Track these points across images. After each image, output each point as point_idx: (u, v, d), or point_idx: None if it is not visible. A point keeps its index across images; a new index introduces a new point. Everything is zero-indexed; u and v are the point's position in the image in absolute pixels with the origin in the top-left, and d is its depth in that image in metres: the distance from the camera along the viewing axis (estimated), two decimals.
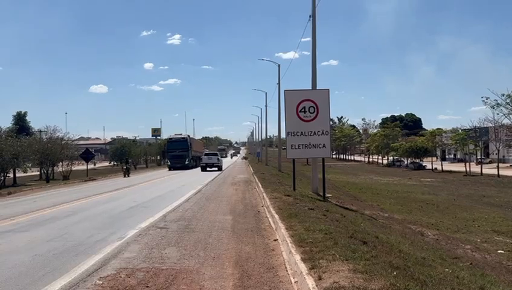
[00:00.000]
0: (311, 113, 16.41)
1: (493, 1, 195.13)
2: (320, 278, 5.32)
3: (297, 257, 6.43)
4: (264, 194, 16.46)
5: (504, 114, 46.75)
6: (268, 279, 6.17)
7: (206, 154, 52.58)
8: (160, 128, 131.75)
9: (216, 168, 47.84)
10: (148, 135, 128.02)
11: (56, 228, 10.63)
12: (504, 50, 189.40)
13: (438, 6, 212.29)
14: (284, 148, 21.28)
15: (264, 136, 78.99)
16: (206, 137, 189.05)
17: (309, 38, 19.99)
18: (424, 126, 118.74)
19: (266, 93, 61.31)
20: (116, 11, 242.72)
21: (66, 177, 39.58)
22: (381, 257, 6.40)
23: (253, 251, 7.86)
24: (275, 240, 8.71)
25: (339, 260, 6.01)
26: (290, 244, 7.30)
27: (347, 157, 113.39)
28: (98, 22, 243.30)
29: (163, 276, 6.30)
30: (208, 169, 46.99)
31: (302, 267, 5.90)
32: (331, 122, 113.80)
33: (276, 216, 10.62)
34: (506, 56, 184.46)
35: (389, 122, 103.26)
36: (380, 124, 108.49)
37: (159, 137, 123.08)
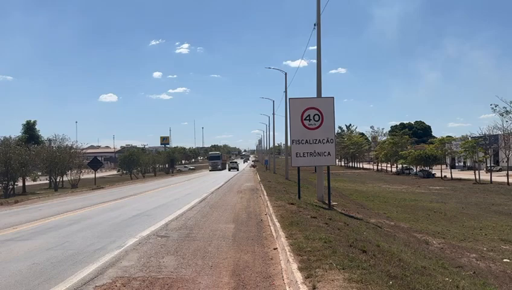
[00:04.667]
0: (315, 121, 16.34)
1: (500, 5, 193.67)
2: (314, 288, 5.27)
3: (294, 266, 6.37)
4: (269, 202, 16.38)
5: None
6: (264, 288, 6.12)
7: (231, 162, 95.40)
8: (169, 137, 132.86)
9: (236, 169, 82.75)
10: (157, 143, 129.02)
11: (57, 237, 10.65)
12: (511, 55, 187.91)
13: (444, 10, 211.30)
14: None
15: (271, 144, 79.06)
16: (214, 145, 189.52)
17: (316, 47, 19.96)
18: (434, 134, 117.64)
19: (274, 101, 61.55)
20: (125, 21, 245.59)
21: (75, 186, 39.75)
22: (379, 266, 6.33)
23: (251, 260, 7.80)
24: (274, 249, 8.63)
25: (336, 269, 5.94)
26: (288, 253, 7.24)
27: (356, 165, 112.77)
28: (107, 32, 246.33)
29: (158, 285, 6.27)
30: (231, 170, 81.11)
31: (298, 276, 5.85)
32: (339, 130, 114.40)
33: (278, 224, 10.54)
34: None
35: (398, 130, 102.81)
36: (389, 131, 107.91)
37: (168, 145, 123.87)
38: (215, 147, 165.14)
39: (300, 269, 6.15)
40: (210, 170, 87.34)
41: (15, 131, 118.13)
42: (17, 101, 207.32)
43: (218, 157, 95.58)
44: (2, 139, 35.78)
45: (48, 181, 43.64)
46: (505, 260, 12.00)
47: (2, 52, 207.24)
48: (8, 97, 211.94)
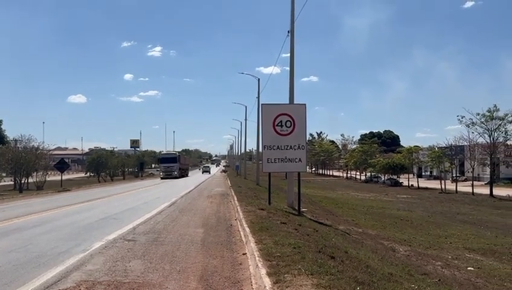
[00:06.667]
0: (287, 127, 16.37)
1: (466, 19, 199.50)
2: None
3: (263, 271, 6.34)
4: (239, 207, 16.32)
5: (479, 133, 47.83)
6: None
7: (204, 166, 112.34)
8: (139, 140, 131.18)
9: (208, 173, 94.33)
10: (127, 146, 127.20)
11: (20, 239, 10.33)
12: (477, 67, 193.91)
13: (413, 22, 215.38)
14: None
15: (243, 150, 78.91)
16: (186, 149, 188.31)
17: (289, 54, 20.06)
18: (402, 143, 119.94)
19: (246, 107, 60.97)
20: (96, 22, 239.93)
21: (40, 188, 38.80)
22: (347, 272, 6.36)
23: (220, 265, 7.73)
24: (244, 254, 8.57)
25: (304, 275, 5.94)
26: (257, 258, 7.21)
27: (326, 173, 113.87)
28: (78, 32, 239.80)
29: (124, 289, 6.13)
30: (204, 173, 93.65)
31: (267, 281, 5.82)
32: (310, 138, 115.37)
33: (248, 230, 10.50)
34: (480, 74, 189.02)
35: (367, 138, 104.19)
36: (358, 140, 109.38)
37: (137, 149, 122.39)
38: (186, 151, 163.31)
39: (269, 274, 6.13)
40: (162, 178, 62.91)
41: None
42: None
43: (174, 160, 67.31)
44: None
45: (12, 182, 42.51)
46: (469, 268, 12.28)
47: None
48: None
